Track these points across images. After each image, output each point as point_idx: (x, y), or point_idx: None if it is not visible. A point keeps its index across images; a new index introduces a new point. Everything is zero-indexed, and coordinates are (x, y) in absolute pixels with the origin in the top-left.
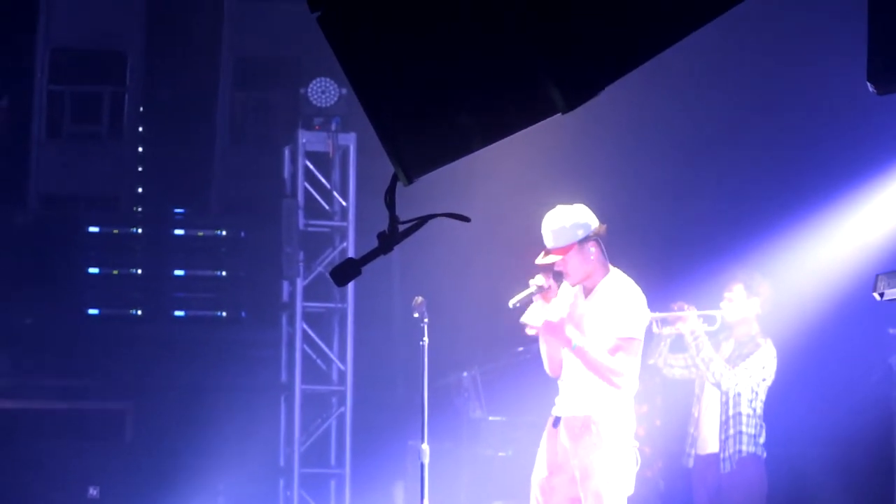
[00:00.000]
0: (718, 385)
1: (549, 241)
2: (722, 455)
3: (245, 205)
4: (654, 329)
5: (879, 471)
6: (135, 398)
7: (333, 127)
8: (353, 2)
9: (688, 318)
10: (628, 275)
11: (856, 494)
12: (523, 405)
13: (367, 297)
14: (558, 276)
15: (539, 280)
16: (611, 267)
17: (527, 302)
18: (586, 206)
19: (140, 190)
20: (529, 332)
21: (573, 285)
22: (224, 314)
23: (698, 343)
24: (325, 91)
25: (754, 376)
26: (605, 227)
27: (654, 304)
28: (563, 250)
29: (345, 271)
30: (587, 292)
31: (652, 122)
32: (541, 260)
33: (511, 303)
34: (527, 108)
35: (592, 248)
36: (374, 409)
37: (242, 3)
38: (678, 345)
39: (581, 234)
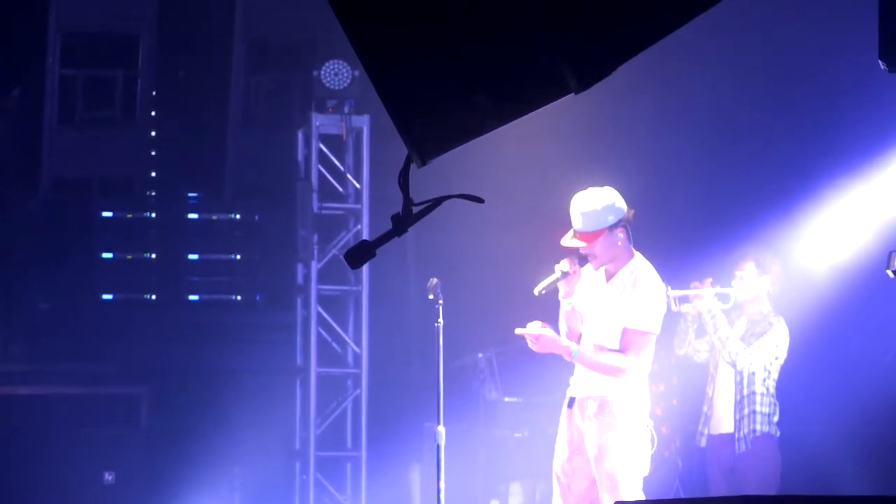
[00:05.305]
0: (734, 364)
1: (577, 224)
2: (736, 435)
3: (259, 188)
4: (673, 307)
5: (894, 449)
6: (150, 383)
7: (347, 109)
8: None
9: (704, 297)
10: (642, 254)
11: (870, 473)
12: (539, 386)
13: (382, 279)
14: (582, 259)
15: (564, 266)
16: (636, 253)
17: (552, 288)
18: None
19: (153, 174)
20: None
21: (596, 268)
22: (239, 298)
23: (715, 322)
24: (337, 73)
25: (767, 355)
26: (633, 212)
27: (666, 282)
28: (593, 235)
29: (359, 253)
30: (609, 276)
31: (664, 102)
32: (567, 242)
33: (536, 290)
34: (539, 88)
35: (620, 234)
36: (390, 391)
37: None
38: (700, 329)
39: (612, 219)
